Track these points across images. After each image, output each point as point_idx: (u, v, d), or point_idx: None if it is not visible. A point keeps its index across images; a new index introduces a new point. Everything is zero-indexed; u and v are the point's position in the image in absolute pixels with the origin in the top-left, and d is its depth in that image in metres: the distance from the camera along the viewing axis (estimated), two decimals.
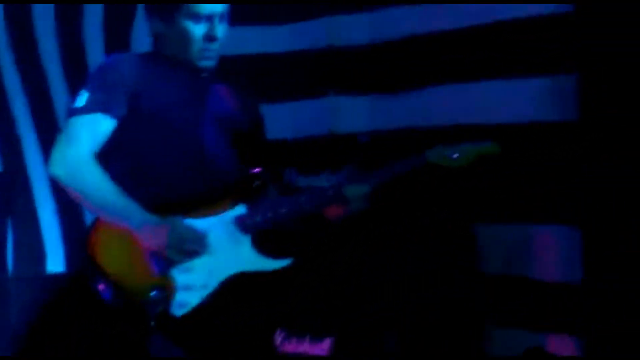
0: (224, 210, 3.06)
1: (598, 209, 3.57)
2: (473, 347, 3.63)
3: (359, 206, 3.11)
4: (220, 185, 3.09)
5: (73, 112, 3.02)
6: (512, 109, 3.84)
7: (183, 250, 2.91)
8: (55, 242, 3.99)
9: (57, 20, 3.99)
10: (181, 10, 3.07)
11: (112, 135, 3.03)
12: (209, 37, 3.10)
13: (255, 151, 3.29)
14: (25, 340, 3.21)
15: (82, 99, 3.02)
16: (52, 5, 3.98)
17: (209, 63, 3.15)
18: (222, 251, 2.99)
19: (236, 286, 3.00)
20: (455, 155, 3.18)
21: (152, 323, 2.86)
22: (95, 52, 4.01)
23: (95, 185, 2.95)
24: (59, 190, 3.31)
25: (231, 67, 3.98)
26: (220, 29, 3.12)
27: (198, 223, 2.98)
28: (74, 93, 3.12)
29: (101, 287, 2.91)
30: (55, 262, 3.98)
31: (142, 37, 3.24)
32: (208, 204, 3.04)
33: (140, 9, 3.93)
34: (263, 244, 3.07)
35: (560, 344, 3.72)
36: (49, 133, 3.12)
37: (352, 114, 4.31)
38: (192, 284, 2.94)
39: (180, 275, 2.94)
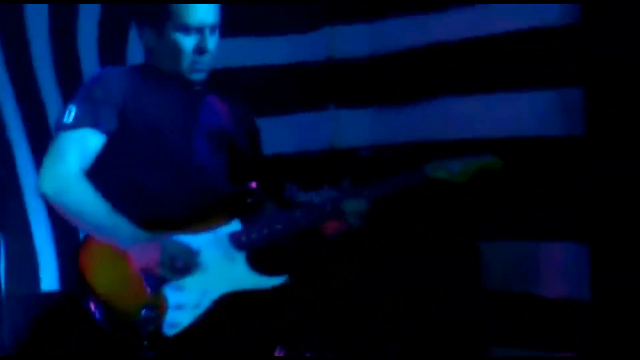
0: (218, 226, 3.01)
1: (606, 224, 3.54)
2: None
3: (357, 221, 3.07)
4: (214, 200, 3.04)
5: (61, 127, 2.99)
6: (516, 123, 3.81)
7: (175, 268, 2.86)
8: (49, 259, 3.93)
9: (51, 28, 3.95)
10: (171, 22, 3.05)
11: (102, 150, 3.00)
12: (200, 50, 3.07)
13: (251, 165, 3.24)
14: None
15: (70, 114, 2.99)
16: (45, 13, 3.95)
17: (200, 76, 3.12)
18: (215, 269, 2.95)
19: (230, 305, 2.95)
20: (456, 169, 3.13)
21: (145, 343, 2.81)
22: (89, 61, 3.98)
23: (85, 202, 2.92)
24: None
25: (229, 79, 3.98)
26: (211, 41, 3.09)
27: (191, 240, 2.94)
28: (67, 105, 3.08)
29: (92, 306, 2.86)
30: (49, 279, 3.93)
31: (138, 47, 3.20)
32: (201, 220, 3.00)
33: None
34: (258, 261, 3.03)
35: None
36: (42, 146, 3.06)
37: (353, 127, 4.29)
38: (184, 303, 2.90)
39: (172, 294, 2.89)
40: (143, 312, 2.80)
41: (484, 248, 3.81)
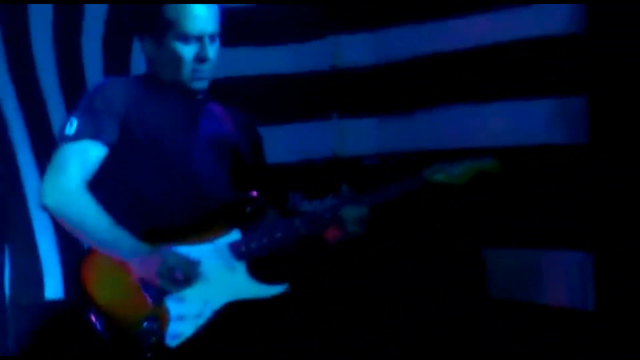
0: (218, 236, 3.00)
1: (610, 232, 3.53)
2: None
3: (356, 228, 3.05)
4: (214, 210, 3.03)
5: (62, 139, 2.98)
6: (521, 131, 3.80)
7: (175, 280, 2.86)
8: (54, 268, 3.94)
9: (55, 36, 3.96)
10: (170, 32, 3.03)
11: (104, 161, 2.99)
12: (200, 58, 3.05)
13: (253, 174, 3.23)
14: None
15: (72, 125, 2.98)
16: (50, 22, 3.95)
17: (201, 84, 3.10)
18: (216, 279, 2.93)
19: (232, 314, 2.94)
20: (454, 172, 3.12)
21: (149, 354, 2.82)
22: (93, 69, 3.98)
23: (86, 215, 2.91)
24: None
25: (233, 88, 3.97)
26: (211, 50, 3.07)
27: (191, 250, 2.93)
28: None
29: (93, 318, 2.86)
30: (53, 288, 3.94)
31: (142, 55, 3.20)
32: (201, 230, 2.99)
33: None
34: (258, 270, 3.01)
35: None
36: (47, 156, 3.06)
37: (357, 136, 4.29)
38: (186, 314, 2.89)
39: (174, 305, 2.88)
40: (145, 324, 2.82)
41: (487, 256, 3.81)
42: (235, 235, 3.01)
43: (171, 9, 3.03)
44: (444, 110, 4.03)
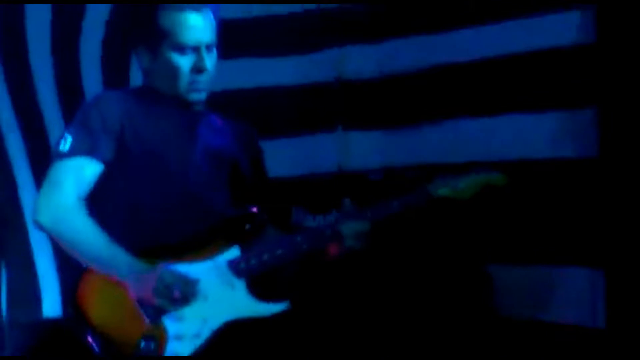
0: (217, 253, 2.96)
1: (622, 249, 3.47)
2: None
3: (357, 244, 3.01)
4: (213, 226, 3.00)
5: (57, 156, 2.95)
6: (528, 145, 3.74)
7: (173, 298, 2.81)
8: (52, 285, 3.92)
9: (53, 46, 3.95)
10: (166, 42, 3.00)
11: (99, 178, 2.96)
12: (197, 69, 3.01)
13: (254, 188, 3.19)
14: None
15: (67, 142, 2.95)
16: (48, 30, 3.93)
17: (199, 96, 3.06)
18: (215, 297, 2.89)
19: (231, 334, 2.89)
20: (459, 186, 3.09)
21: None
22: (92, 81, 3.96)
23: (81, 233, 2.88)
24: None
25: (235, 100, 3.93)
26: (209, 60, 3.03)
27: (189, 268, 2.88)
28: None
29: (89, 338, 2.81)
30: (51, 306, 3.91)
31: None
32: (200, 247, 2.95)
33: None
34: (259, 288, 2.98)
35: None
36: (45, 171, 3.02)
37: (362, 149, 4.23)
38: (184, 333, 2.84)
39: (172, 324, 2.84)
40: (142, 344, 2.78)
41: (494, 272, 3.76)
42: (234, 251, 2.97)
43: (166, 19, 2.99)
44: (450, 123, 3.97)
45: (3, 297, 3.83)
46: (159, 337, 2.80)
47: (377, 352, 3.45)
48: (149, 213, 2.96)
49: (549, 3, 3.65)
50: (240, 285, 2.94)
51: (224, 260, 2.94)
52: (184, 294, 2.81)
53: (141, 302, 2.81)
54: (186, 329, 2.83)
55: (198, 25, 3.00)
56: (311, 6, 4.24)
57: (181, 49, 2.99)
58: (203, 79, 3.02)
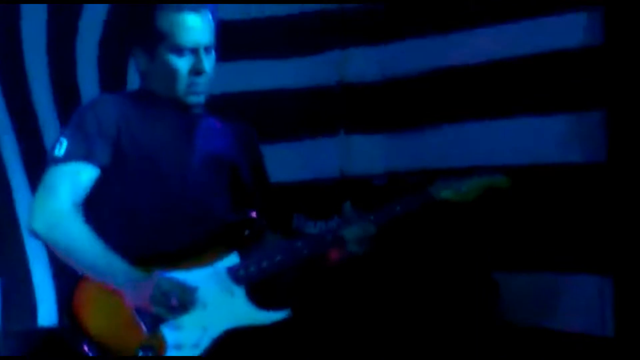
0: (216, 259, 2.91)
1: (630, 256, 3.44)
2: None
3: (359, 249, 2.96)
4: (212, 232, 2.95)
5: (52, 161, 2.90)
6: (535, 149, 3.73)
7: (171, 307, 2.76)
8: (48, 293, 3.89)
9: (48, 48, 3.92)
10: (163, 43, 2.95)
11: (95, 183, 2.90)
12: (195, 71, 2.96)
13: (254, 193, 3.14)
14: None
15: (62, 146, 2.89)
16: (44, 36, 3.90)
17: (197, 98, 3.00)
18: (214, 305, 2.84)
19: (231, 342, 2.84)
20: (462, 189, 3.04)
21: None
22: (88, 83, 3.94)
23: (76, 240, 2.82)
24: None
25: (236, 103, 3.89)
26: (207, 62, 2.98)
27: (187, 275, 2.83)
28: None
29: (86, 348, 2.76)
30: (46, 315, 3.86)
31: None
32: (198, 254, 2.91)
33: None
34: (258, 295, 2.93)
35: None
36: (40, 177, 2.98)
37: (364, 153, 4.22)
38: (183, 342, 2.79)
39: (170, 333, 2.78)
40: (140, 353, 2.73)
41: (500, 279, 3.72)
42: (233, 258, 2.93)
43: (164, 20, 2.94)
44: (454, 127, 3.96)
45: None
46: (157, 346, 2.75)
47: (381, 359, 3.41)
48: (146, 219, 2.91)
49: (556, 4, 3.63)
50: (239, 293, 2.89)
51: (223, 267, 2.90)
52: (183, 302, 2.76)
53: (138, 311, 2.76)
54: (185, 338, 2.78)
55: (196, 27, 2.95)
56: (310, 8, 4.22)
57: (179, 50, 2.94)
58: (201, 81, 2.97)
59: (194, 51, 2.94)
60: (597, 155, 3.53)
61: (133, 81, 3.79)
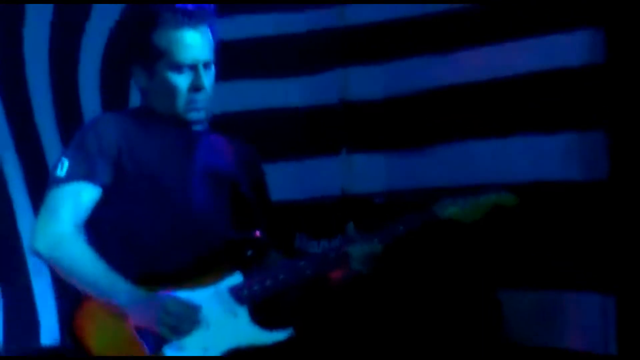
0: (218, 279, 2.89)
1: (633, 274, 3.44)
2: None
3: (363, 268, 2.94)
4: (214, 251, 2.93)
5: (54, 182, 2.89)
6: (536, 167, 3.72)
7: (174, 327, 2.74)
8: (50, 312, 3.87)
9: (51, 64, 3.92)
10: (162, 60, 2.93)
11: (97, 202, 2.89)
12: (195, 88, 2.93)
13: (255, 211, 3.10)
14: None
15: (63, 166, 2.88)
16: (46, 54, 3.90)
17: (197, 115, 2.97)
18: (217, 325, 2.82)
19: None
20: (467, 207, 2.99)
21: None
22: (90, 100, 3.92)
23: (78, 261, 2.81)
24: None
25: (238, 122, 3.88)
26: (207, 78, 2.95)
27: (190, 295, 2.81)
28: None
29: None
30: (48, 333, 3.85)
31: None
32: (200, 273, 2.88)
33: None
34: (262, 315, 2.90)
35: None
36: (41, 191, 2.98)
37: (366, 172, 4.20)
38: None
39: (174, 354, 2.76)
40: None
41: (503, 298, 3.71)
42: (236, 278, 2.90)
43: (162, 37, 2.92)
44: (456, 146, 3.95)
45: (0, 324, 3.79)
46: None
47: None
48: (147, 237, 2.89)
49: (558, 23, 3.63)
50: (242, 313, 2.87)
51: (225, 287, 2.87)
52: (186, 322, 2.75)
53: (141, 332, 2.74)
54: (187, 358, 2.76)
55: (195, 44, 2.92)
56: (312, 26, 4.22)
57: (178, 67, 2.92)
58: (201, 97, 2.94)
59: (193, 67, 2.92)
60: (599, 172, 3.52)
61: (135, 96, 3.78)
